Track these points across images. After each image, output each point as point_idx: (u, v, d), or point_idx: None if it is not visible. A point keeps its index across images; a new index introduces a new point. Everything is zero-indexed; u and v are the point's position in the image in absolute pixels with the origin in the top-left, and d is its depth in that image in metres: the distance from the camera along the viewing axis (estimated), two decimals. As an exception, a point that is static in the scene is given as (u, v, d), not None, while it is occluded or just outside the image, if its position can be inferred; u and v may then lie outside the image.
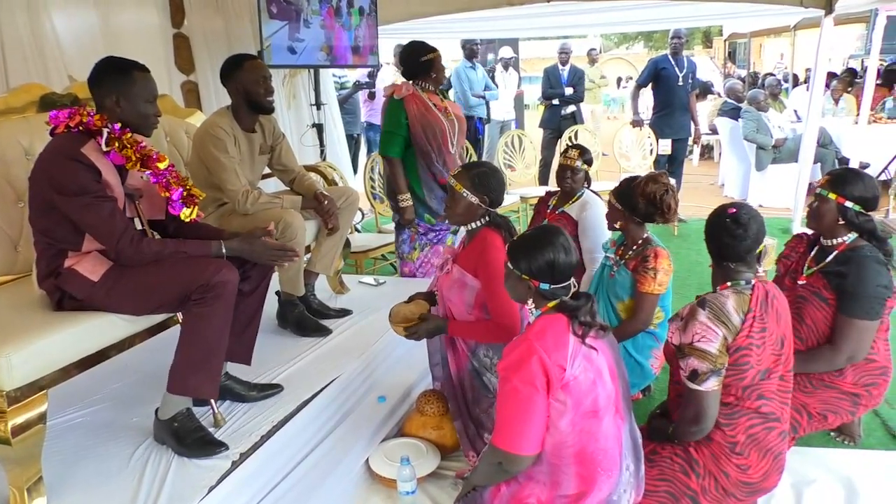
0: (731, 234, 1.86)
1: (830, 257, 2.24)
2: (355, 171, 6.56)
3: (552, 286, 1.72)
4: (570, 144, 3.27)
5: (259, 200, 2.70)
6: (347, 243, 3.48)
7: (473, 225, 2.21)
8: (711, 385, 1.81)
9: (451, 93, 7.12)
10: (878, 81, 7.62)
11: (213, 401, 2.17)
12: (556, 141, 6.62)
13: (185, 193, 2.09)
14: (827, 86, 7.17)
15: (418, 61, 3.34)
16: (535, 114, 9.36)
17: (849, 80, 8.11)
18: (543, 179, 6.48)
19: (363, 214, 4.79)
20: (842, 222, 2.21)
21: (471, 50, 7.00)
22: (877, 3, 5.92)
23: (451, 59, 9.69)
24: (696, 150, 8.86)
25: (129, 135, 1.97)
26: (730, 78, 11.42)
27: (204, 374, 2.02)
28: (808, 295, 2.27)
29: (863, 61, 9.92)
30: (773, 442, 1.87)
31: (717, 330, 1.80)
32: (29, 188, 1.92)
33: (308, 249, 3.07)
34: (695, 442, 1.90)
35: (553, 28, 8.12)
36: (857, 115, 6.94)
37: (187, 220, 2.11)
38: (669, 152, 5.90)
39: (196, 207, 2.13)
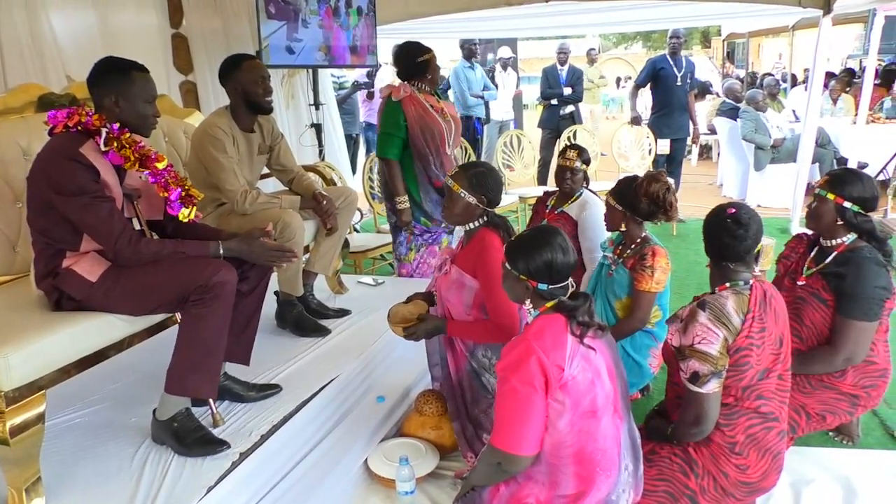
0: (731, 234, 1.86)
1: (830, 258, 2.24)
2: (354, 171, 6.57)
3: (550, 286, 1.72)
4: (567, 145, 3.27)
5: (258, 200, 2.70)
6: (346, 243, 3.48)
7: (471, 225, 2.21)
8: (712, 387, 1.81)
9: (450, 93, 7.13)
10: (877, 81, 7.63)
11: (211, 401, 2.17)
12: (554, 141, 6.63)
13: (183, 194, 2.09)
14: (825, 86, 7.18)
15: (414, 62, 3.33)
16: (533, 114, 9.36)
17: (847, 80, 8.11)
18: (542, 179, 6.49)
19: (362, 214, 4.78)
20: (840, 223, 2.21)
21: (469, 50, 7.00)
22: (875, 3, 5.93)
23: (450, 59, 9.71)
24: (695, 150, 8.87)
25: (128, 135, 1.97)
26: (728, 78, 11.44)
27: (203, 375, 2.02)
28: (806, 296, 2.27)
29: (861, 61, 9.94)
30: (771, 441, 1.87)
31: (718, 331, 1.80)
32: (27, 188, 1.92)
33: (307, 249, 3.07)
34: (694, 442, 1.90)
35: (552, 28, 8.12)
36: (856, 115, 6.95)
37: (185, 220, 2.10)
38: (668, 152, 5.91)
39: (194, 208, 2.13)
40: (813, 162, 5.88)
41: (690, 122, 5.99)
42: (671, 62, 5.82)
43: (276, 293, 2.96)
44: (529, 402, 1.62)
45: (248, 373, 2.41)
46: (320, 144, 4.82)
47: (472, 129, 6.98)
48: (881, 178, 6.18)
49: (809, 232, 2.38)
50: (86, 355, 1.92)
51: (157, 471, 1.97)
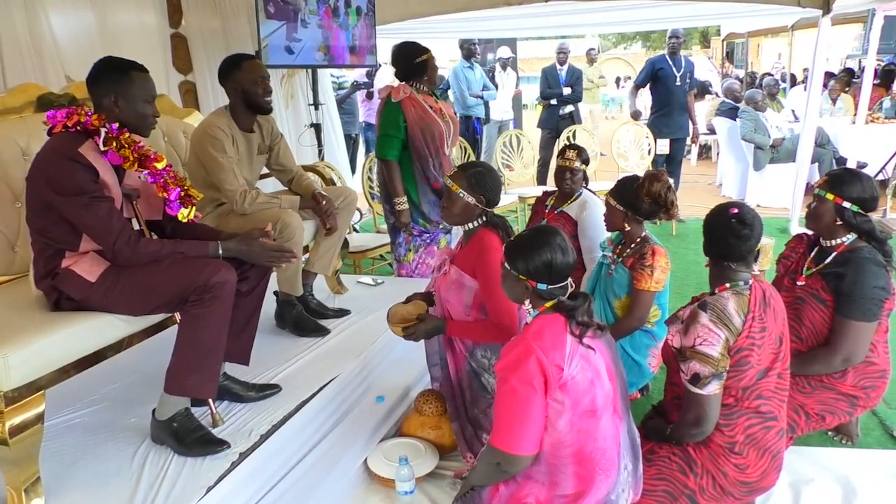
0: (736, 234, 1.86)
1: (829, 258, 2.24)
2: (353, 171, 6.57)
3: (549, 286, 1.72)
4: (567, 145, 3.27)
5: (257, 200, 2.69)
6: (346, 243, 3.48)
7: (470, 225, 2.21)
8: (713, 389, 1.80)
9: (449, 93, 7.13)
10: (876, 81, 7.63)
11: (211, 401, 2.17)
12: (554, 141, 6.63)
13: (182, 194, 2.09)
14: (824, 86, 7.17)
15: (412, 63, 3.33)
16: (533, 114, 9.36)
17: (846, 79, 8.11)
18: (541, 179, 6.49)
19: (361, 214, 4.79)
20: (840, 223, 2.21)
21: (469, 50, 7.00)
22: (874, 3, 5.93)
23: (450, 59, 9.71)
24: (694, 149, 8.88)
25: (127, 135, 1.96)
26: (727, 78, 11.45)
27: (202, 375, 2.02)
28: (806, 296, 2.27)
29: (860, 61, 9.93)
30: (771, 441, 1.87)
31: (720, 333, 1.79)
32: (26, 188, 1.92)
33: (306, 249, 3.07)
34: (693, 442, 1.90)
35: (551, 28, 8.13)
36: (855, 114, 6.96)
37: (185, 220, 2.10)
38: (667, 152, 5.91)
39: (194, 208, 2.13)
40: (812, 162, 5.88)
41: (690, 122, 5.99)
42: (670, 62, 5.82)
43: (275, 293, 2.96)
44: (529, 402, 1.62)
45: (247, 373, 2.41)
46: (320, 144, 4.82)
47: (471, 129, 6.98)
48: (880, 177, 6.20)
49: (810, 232, 2.38)
50: (85, 355, 1.92)
51: (156, 471, 1.97)
